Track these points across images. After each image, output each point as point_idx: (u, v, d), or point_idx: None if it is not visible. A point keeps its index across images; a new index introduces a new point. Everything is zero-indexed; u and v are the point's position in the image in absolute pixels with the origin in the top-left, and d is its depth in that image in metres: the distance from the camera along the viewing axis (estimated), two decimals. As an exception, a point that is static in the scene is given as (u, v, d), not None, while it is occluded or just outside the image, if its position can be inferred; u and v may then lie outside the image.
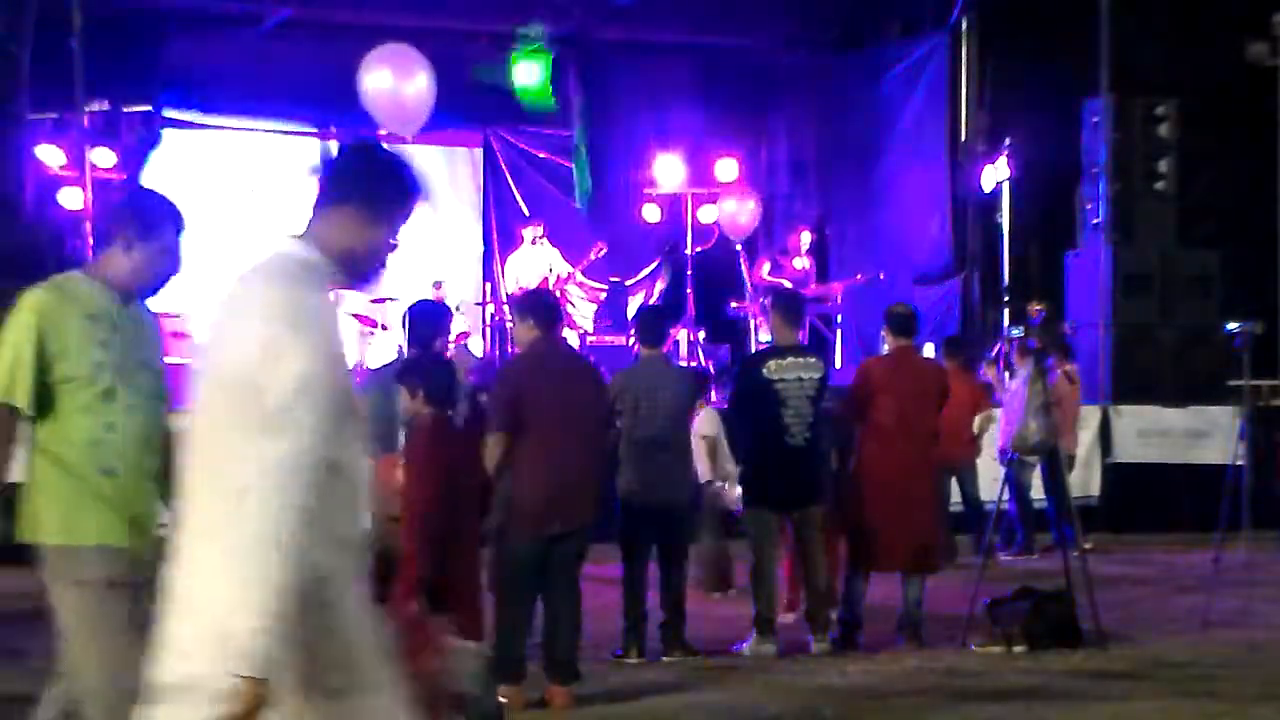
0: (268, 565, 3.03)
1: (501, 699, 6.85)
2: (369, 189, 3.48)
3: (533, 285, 15.29)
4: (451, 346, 13.08)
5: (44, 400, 4.76)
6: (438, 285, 15.79)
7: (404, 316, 8.42)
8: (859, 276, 17.15)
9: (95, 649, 4.67)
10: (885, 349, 9.69)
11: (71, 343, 4.77)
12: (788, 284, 16.04)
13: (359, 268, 3.49)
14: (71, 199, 14.68)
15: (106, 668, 4.63)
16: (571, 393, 7.62)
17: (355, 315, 15.95)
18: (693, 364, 15.89)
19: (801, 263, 17.22)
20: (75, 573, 4.72)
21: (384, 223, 3.48)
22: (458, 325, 14.69)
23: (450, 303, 14.88)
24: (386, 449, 6.87)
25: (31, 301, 4.79)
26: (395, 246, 3.53)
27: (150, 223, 4.94)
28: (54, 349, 4.75)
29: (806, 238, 17.45)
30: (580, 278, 17.18)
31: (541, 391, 7.50)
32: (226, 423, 3.19)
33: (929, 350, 13.88)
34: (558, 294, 14.29)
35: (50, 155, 14.88)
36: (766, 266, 17.16)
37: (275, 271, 3.32)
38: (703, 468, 10.41)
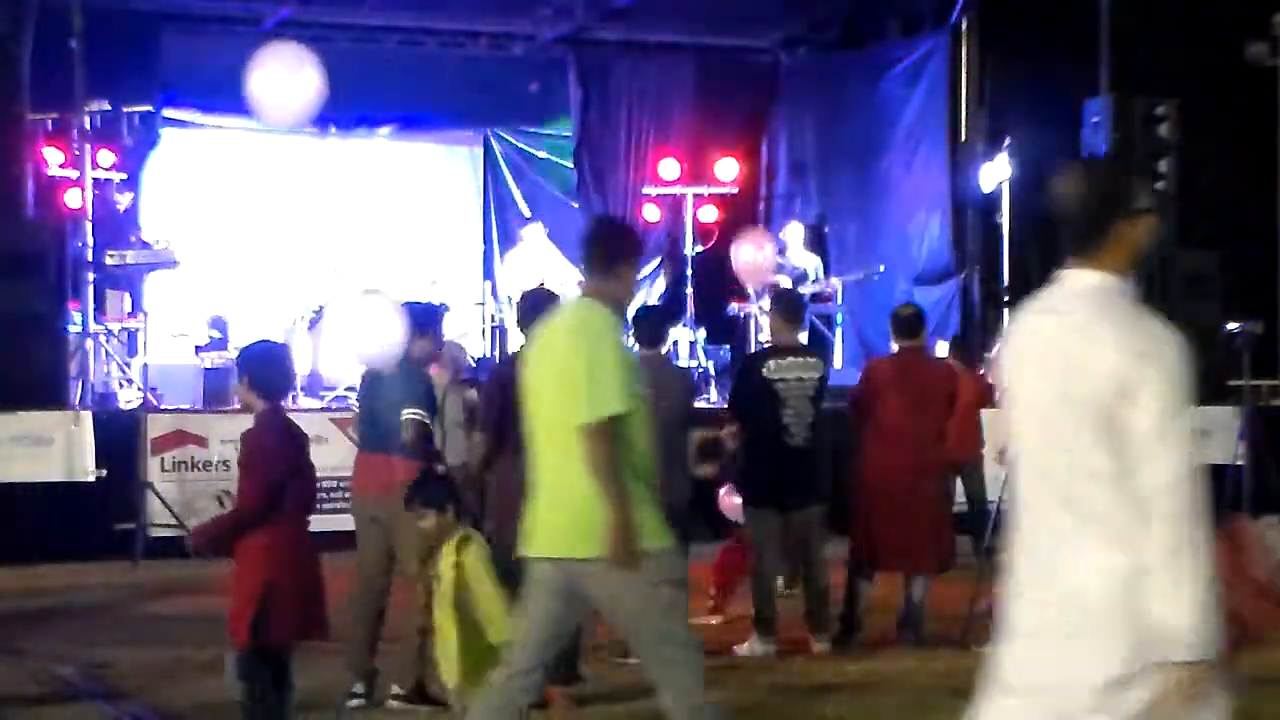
0: (1196, 562, 3.38)
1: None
2: (1133, 193, 3.79)
3: (531, 285, 15.18)
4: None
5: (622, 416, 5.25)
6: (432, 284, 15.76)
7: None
8: (861, 274, 17.12)
9: (680, 646, 5.38)
10: (894, 349, 9.68)
11: (633, 359, 5.45)
12: (788, 283, 16.01)
13: (1138, 262, 3.75)
14: (71, 199, 14.67)
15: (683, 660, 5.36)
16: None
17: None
18: (693, 364, 15.89)
19: (801, 259, 17.03)
20: (666, 571, 5.36)
21: (1140, 205, 3.77)
22: (456, 325, 14.66)
23: (447, 302, 14.83)
24: None
25: (611, 321, 5.33)
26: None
27: (639, 247, 5.51)
28: (631, 364, 5.37)
29: (797, 229, 17.23)
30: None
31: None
32: (1092, 440, 3.49)
33: (942, 349, 13.81)
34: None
35: (50, 155, 14.87)
36: (766, 266, 17.10)
37: (1116, 304, 3.65)
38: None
